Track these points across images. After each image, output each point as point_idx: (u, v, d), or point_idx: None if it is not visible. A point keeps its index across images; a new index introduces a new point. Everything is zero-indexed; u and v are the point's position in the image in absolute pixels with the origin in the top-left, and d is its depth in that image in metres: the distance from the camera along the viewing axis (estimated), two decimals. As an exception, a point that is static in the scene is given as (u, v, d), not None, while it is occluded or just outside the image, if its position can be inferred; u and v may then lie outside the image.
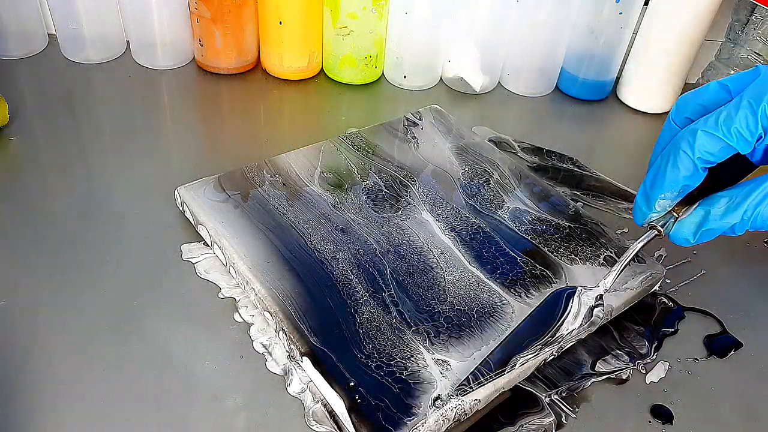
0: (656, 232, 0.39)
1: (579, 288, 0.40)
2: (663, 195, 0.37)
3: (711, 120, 0.34)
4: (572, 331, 0.39)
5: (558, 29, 0.63)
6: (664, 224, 0.38)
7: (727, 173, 0.38)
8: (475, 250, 0.45)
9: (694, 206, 0.37)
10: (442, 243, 0.45)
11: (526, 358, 0.37)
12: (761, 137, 0.34)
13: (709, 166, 0.35)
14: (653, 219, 0.38)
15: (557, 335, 0.38)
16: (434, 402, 0.35)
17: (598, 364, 0.40)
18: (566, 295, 0.40)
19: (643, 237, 0.39)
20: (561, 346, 0.39)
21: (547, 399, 0.38)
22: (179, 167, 0.53)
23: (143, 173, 0.51)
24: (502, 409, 0.37)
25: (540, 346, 0.38)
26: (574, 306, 0.39)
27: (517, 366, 0.37)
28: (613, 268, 0.40)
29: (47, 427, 0.34)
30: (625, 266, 0.40)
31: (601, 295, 0.40)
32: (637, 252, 0.40)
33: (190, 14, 0.61)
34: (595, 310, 0.40)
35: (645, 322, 0.44)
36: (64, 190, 0.49)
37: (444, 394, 0.35)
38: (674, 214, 0.38)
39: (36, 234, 0.45)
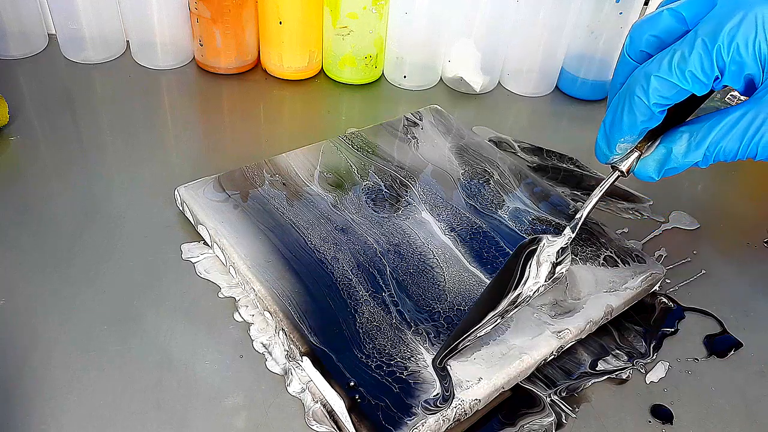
0: (619, 173, 0.37)
1: (543, 242, 0.37)
2: (623, 138, 0.36)
3: (664, 63, 0.33)
4: (536, 291, 0.37)
5: (558, 29, 0.63)
6: (629, 163, 0.37)
7: (689, 100, 0.36)
8: (475, 250, 0.45)
9: (656, 143, 0.36)
10: (442, 243, 0.45)
11: (482, 330, 0.36)
12: (718, 78, 0.32)
13: (666, 108, 0.34)
14: (615, 160, 0.37)
15: (518, 302, 0.37)
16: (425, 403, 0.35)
17: (598, 364, 0.40)
18: (524, 257, 0.37)
19: (607, 179, 0.38)
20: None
21: (548, 399, 0.38)
22: (179, 167, 0.53)
23: (143, 173, 0.51)
24: (502, 409, 0.37)
25: (497, 317, 0.36)
26: (532, 270, 0.37)
27: (475, 337, 0.36)
28: (579, 214, 0.38)
29: (47, 427, 0.34)
30: (590, 211, 0.38)
31: (564, 248, 0.37)
32: (602, 194, 0.38)
33: (190, 14, 0.61)
34: (558, 267, 0.37)
35: (645, 322, 0.44)
36: (64, 189, 0.49)
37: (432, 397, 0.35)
38: (637, 150, 0.37)
39: (36, 234, 0.45)
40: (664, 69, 0.33)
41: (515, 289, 0.37)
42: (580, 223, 0.38)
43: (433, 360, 0.37)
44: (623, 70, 0.36)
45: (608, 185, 0.38)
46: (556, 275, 0.37)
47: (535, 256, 0.37)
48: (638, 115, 0.34)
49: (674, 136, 0.35)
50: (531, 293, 0.37)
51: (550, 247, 0.37)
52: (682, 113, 0.37)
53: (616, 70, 0.36)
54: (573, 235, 0.38)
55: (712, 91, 0.35)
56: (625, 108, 0.34)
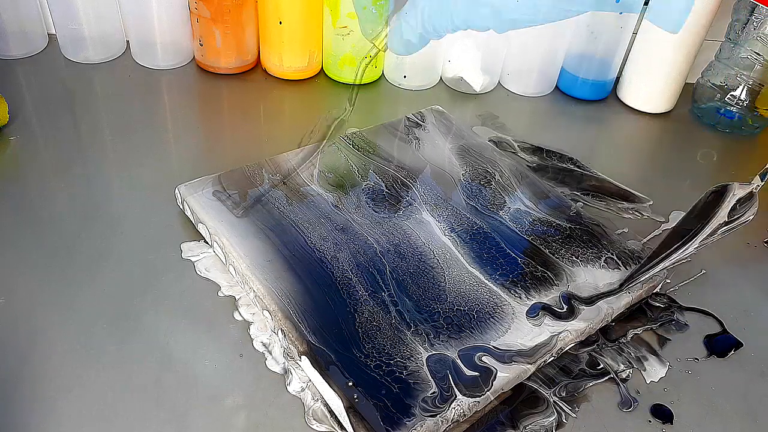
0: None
1: (728, 195, 0.40)
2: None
3: None
4: (707, 241, 0.40)
5: (558, 29, 0.63)
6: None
7: None
8: (475, 250, 0.44)
9: None
10: (442, 243, 0.45)
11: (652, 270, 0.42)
12: None
13: None
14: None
15: (691, 249, 0.41)
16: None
17: (598, 363, 0.40)
18: (704, 211, 0.41)
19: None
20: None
21: (550, 398, 0.38)
22: (179, 167, 0.53)
23: (143, 173, 0.51)
24: (503, 410, 0.37)
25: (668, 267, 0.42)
26: (705, 228, 0.40)
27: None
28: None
29: (47, 426, 0.34)
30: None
31: (744, 199, 0.40)
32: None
33: (190, 14, 0.61)
34: (733, 222, 0.40)
35: (645, 322, 0.44)
36: (64, 189, 0.49)
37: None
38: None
39: (36, 233, 0.45)
40: None
41: (687, 243, 0.41)
42: None
43: (621, 285, 0.42)
44: None
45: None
46: (731, 226, 0.40)
47: (714, 213, 0.40)
48: None
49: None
50: (702, 243, 0.40)
51: (732, 199, 0.40)
52: None
53: None
54: (761, 184, 0.40)
55: None
56: None
